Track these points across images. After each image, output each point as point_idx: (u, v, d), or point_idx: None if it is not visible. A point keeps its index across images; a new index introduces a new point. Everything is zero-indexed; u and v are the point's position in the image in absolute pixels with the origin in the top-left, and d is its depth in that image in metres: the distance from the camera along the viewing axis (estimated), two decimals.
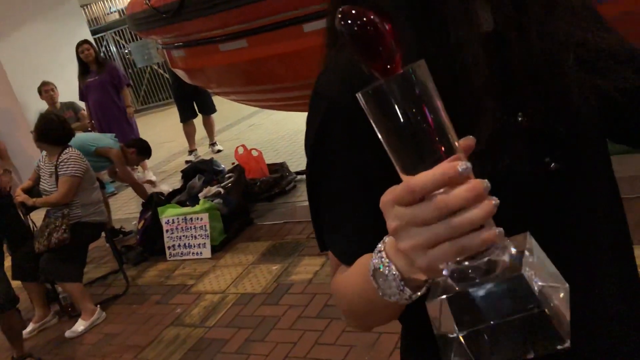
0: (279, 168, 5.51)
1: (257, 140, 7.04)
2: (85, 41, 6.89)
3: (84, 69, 6.85)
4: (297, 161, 5.81)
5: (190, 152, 7.58)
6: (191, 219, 4.81)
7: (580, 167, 0.73)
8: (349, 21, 0.46)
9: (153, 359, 3.52)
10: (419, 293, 0.57)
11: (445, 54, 0.62)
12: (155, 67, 13.31)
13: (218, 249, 4.73)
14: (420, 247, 0.49)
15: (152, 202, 5.23)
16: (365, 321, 0.75)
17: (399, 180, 0.50)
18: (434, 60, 0.52)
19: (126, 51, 13.57)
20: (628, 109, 0.74)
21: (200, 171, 5.58)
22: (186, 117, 7.38)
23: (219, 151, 7.48)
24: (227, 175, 5.42)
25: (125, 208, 6.52)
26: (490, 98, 0.63)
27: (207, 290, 4.15)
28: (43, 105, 6.76)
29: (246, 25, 3.85)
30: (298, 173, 5.41)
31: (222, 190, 5.12)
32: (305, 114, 0.77)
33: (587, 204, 0.75)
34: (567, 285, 0.50)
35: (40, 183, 4.39)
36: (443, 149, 0.48)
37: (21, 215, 4.56)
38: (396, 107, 0.47)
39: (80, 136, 5.24)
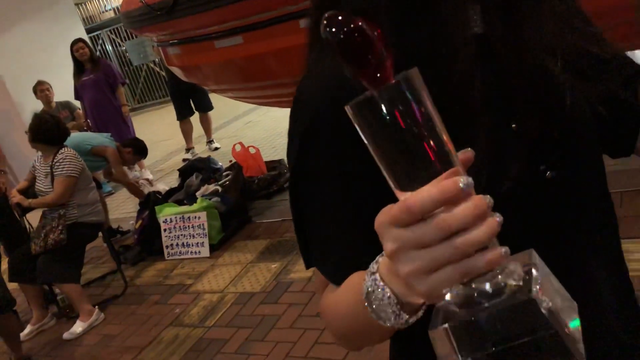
0: (277, 165, 5.48)
1: (255, 138, 7.00)
2: (80, 40, 6.84)
3: (79, 68, 6.82)
4: None
5: (188, 150, 7.56)
6: (189, 217, 4.78)
7: (575, 174, 0.71)
8: (334, 28, 0.43)
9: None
10: (416, 317, 0.53)
11: (436, 59, 0.59)
12: (152, 65, 13.26)
13: (216, 247, 4.70)
14: (421, 271, 0.45)
15: (150, 201, 5.20)
16: (356, 342, 0.72)
17: (391, 194, 0.46)
18: (423, 66, 0.48)
19: (123, 48, 13.50)
20: (613, 117, 0.72)
21: (197, 169, 5.55)
22: (183, 115, 7.35)
23: (216, 149, 7.46)
24: (224, 173, 5.39)
25: (122, 207, 6.49)
26: (484, 105, 0.60)
27: (205, 290, 4.11)
28: (39, 105, 6.71)
29: (242, 21, 3.82)
30: None
31: (219, 189, 5.09)
32: None
33: (583, 211, 0.73)
34: (575, 303, 0.47)
35: (36, 184, 4.36)
36: (441, 162, 0.44)
37: (17, 216, 4.52)
38: (389, 119, 0.43)
39: (75, 135, 5.20)
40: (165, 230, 4.87)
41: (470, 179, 0.43)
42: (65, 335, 4.06)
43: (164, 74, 10.59)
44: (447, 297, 0.46)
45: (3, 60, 7.92)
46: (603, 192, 0.77)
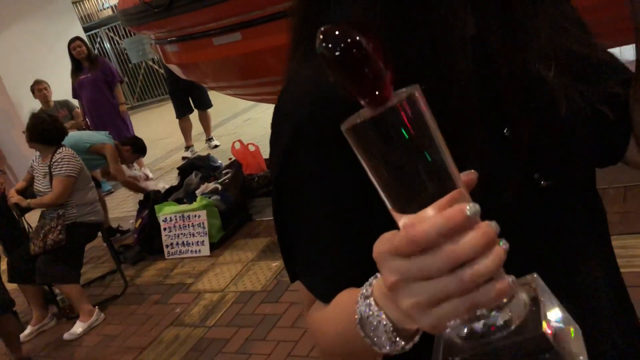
0: None
1: (254, 135, 6.96)
2: (77, 38, 6.81)
3: (77, 66, 6.79)
4: None
5: (187, 148, 7.53)
6: (189, 216, 4.75)
7: (570, 182, 0.69)
8: (331, 45, 0.39)
9: None
10: (412, 343, 0.50)
11: (434, 61, 0.57)
12: (150, 63, 13.21)
13: (216, 246, 4.67)
14: (425, 305, 0.42)
15: (149, 200, 5.17)
16: None
17: (380, 207, 0.43)
18: (420, 69, 0.46)
19: (122, 46, 13.45)
20: (617, 116, 0.70)
21: (197, 167, 5.53)
22: (182, 113, 7.32)
23: (215, 146, 7.43)
24: (224, 171, 5.37)
25: (122, 206, 6.47)
26: (479, 110, 0.57)
27: (206, 289, 4.08)
28: (37, 104, 6.68)
29: (240, 17, 3.78)
30: None
31: (219, 187, 5.06)
32: None
33: (577, 219, 0.71)
34: (578, 327, 0.45)
35: (34, 184, 4.33)
36: (443, 185, 0.41)
37: (15, 216, 4.49)
38: (389, 143, 0.40)
39: (73, 134, 5.18)
40: (165, 229, 4.84)
41: (477, 206, 0.40)
42: (66, 336, 4.03)
43: (162, 71, 10.56)
44: (450, 327, 0.43)
45: (1, 59, 7.89)
46: (594, 198, 0.76)
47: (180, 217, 4.79)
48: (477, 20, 0.59)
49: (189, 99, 7.23)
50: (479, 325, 0.42)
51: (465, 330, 0.42)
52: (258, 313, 3.55)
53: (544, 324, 0.41)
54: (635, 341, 0.76)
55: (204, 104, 7.35)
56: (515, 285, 0.42)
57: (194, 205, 4.80)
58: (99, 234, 4.56)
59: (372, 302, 0.49)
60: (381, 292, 0.48)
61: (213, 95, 6.93)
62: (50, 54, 8.12)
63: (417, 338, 0.50)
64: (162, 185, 5.91)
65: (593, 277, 0.72)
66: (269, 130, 0.71)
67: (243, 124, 8.37)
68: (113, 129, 6.32)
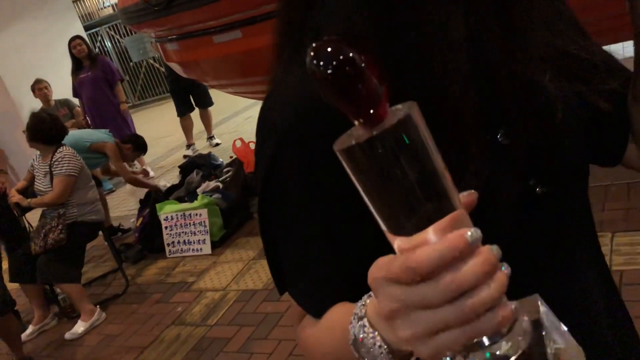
0: None
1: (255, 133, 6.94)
2: (77, 36, 6.80)
3: (77, 65, 6.77)
4: None
5: (188, 146, 7.52)
6: (190, 215, 4.74)
7: (565, 188, 0.67)
8: (322, 62, 0.36)
9: None
10: None
11: (425, 68, 0.54)
12: (152, 62, 13.19)
13: (218, 244, 4.65)
14: (424, 335, 0.40)
15: (150, 199, 5.16)
16: None
17: (370, 219, 0.41)
18: (411, 77, 0.44)
19: (123, 45, 13.43)
20: (618, 112, 0.68)
21: (198, 166, 5.52)
22: (183, 111, 7.31)
23: (217, 145, 7.42)
24: (225, 170, 5.36)
25: (123, 205, 6.46)
26: (476, 117, 0.55)
27: (207, 288, 4.07)
28: (37, 104, 6.67)
29: (240, 15, 3.76)
30: None
31: (220, 185, 5.05)
32: None
33: (573, 226, 0.70)
34: (581, 349, 0.43)
35: (35, 183, 4.32)
36: (441, 207, 0.39)
37: (16, 216, 4.49)
38: (385, 165, 0.38)
39: (74, 133, 5.17)
40: (166, 227, 4.83)
41: (478, 231, 0.38)
42: (67, 336, 4.03)
43: (163, 70, 10.55)
44: (449, 356, 0.41)
45: (1, 58, 7.88)
46: (586, 203, 0.74)
47: (181, 215, 4.78)
48: (472, 21, 0.57)
49: (190, 97, 7.22)
50: (480, 355, 0.40)
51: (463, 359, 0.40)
52: (260, 312, 3.54)
53: (549, 353, 0.39)
54: (633, 352, 0.75)
55: (205, 102, 7.33)
56: (517, 312, 0.40)
57: (195, 203, 4.79)
58: (100, 233, 4.55)
59: (367, 324, 0.47)
60: (375, 312, 0.46)
61: (214, 93, 6.92)
62: (50, 52, 8.11)
63: (413, 359, 0.48)
64: (163, 183, 5.90)
65: (591, 285, 0.71)
66: None
67: (244, 122, 8.35)
68: (113, 127, 6.31)
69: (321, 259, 0.63)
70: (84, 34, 8.32)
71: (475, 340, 0.39)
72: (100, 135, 5.35)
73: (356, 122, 0.38)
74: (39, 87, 6.63)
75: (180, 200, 5.09)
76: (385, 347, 0.46)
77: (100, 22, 13.95)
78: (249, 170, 5.29)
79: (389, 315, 0.41)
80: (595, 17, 2.50)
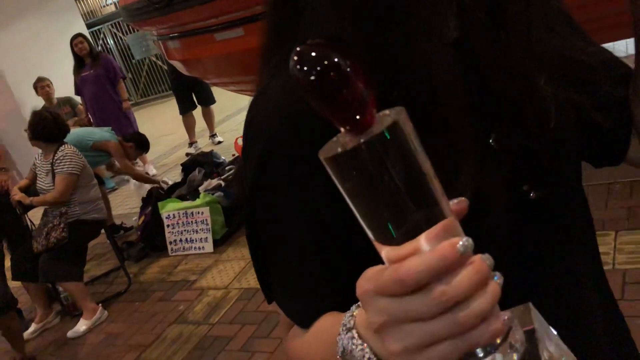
0: None
1: None
2: (79, 34, 6.80)
3: (79, 63, 6.78)
4: None
5: (191, 144, 7.52)
6: (192, 213, 4.73)
7: (559, 193, 0.65)
8: (306, 68, 0.35)
9: (156, 359, 3.45)
10: None
11: (411, 70, 0.53)
12: (154, 59, 13.19)
13: (220, 243, 4.66)
14: (416, 348, 0.38)
15: (152, 197, 5.16)
16: None
17: (359, 227, 0.39)
18: (398, 80, 0.43)
19: (126, 42, 13.42)
20: (611, 123, 0.66)
21: (200, 164, 5.51)
22: (185, 109, 7.30)
23: (219, 142, 7.41)
24: (227, 168, 5.35)
25: (126, 203, 6.46)
26: (466, 119, 0.53)
27: (210, 286, 4.07)
28: (40, 102, 6.67)
29: (242, 13, 3.75)
30: None
31: (222, 183, 5.04)
32: None
33: (568, 232, 0.68)
34: (573, 355, 0.42)
35: (37, 182, 4.32)
36: (431, 216, 0.37)
37: (18, 214, 4.49)
38: (373, 174, 0.36)
39: (76, 131, 5.17)
40: (168, 226, 4.83)
41: (469, 240, 0.37)
42: (69, 334, 4.03)
43: (166, 67, 10.55)
44: None
45: (3, 56, 7.88)
46: (584, 206, 0.72)
47: (183, 213, 4.78)
48: (463, 23, 0.55)
49: (192, 95, 7.22)
50: None
51: None
52: (262, 310, 3.54)
53: None
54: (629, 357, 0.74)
55: (207, 100, 7.33)
56: (510, 322, 0.39)
57: (197, 201, 4.79)
58: (102, 231, 4.55)
59: (355, 335, 0.46)
60: (364, 322, 0.45)
61: (216, 91, 6.91)
62: (52, 51, 8.10)
63: None
64: (166, 179, 5.90)
65: (586, 289, 0.69)
66: None
67: None
68: (116, 125, 6.31)
69: (309, 268, 0.62)
70: (86, 32, 8.31)
71: (469, 352, 0.38)
72: (102, 134, 5.35)
73: (342, 129, 0.37)
74: (42, 85, 6.63)
75: (183, 198, 5.08)
76: (375, 358, 0.45)
77: (103, 19, 13.95)
78: None
79: (378, 329, 0.40)
80: (598, 14, 2.49)
